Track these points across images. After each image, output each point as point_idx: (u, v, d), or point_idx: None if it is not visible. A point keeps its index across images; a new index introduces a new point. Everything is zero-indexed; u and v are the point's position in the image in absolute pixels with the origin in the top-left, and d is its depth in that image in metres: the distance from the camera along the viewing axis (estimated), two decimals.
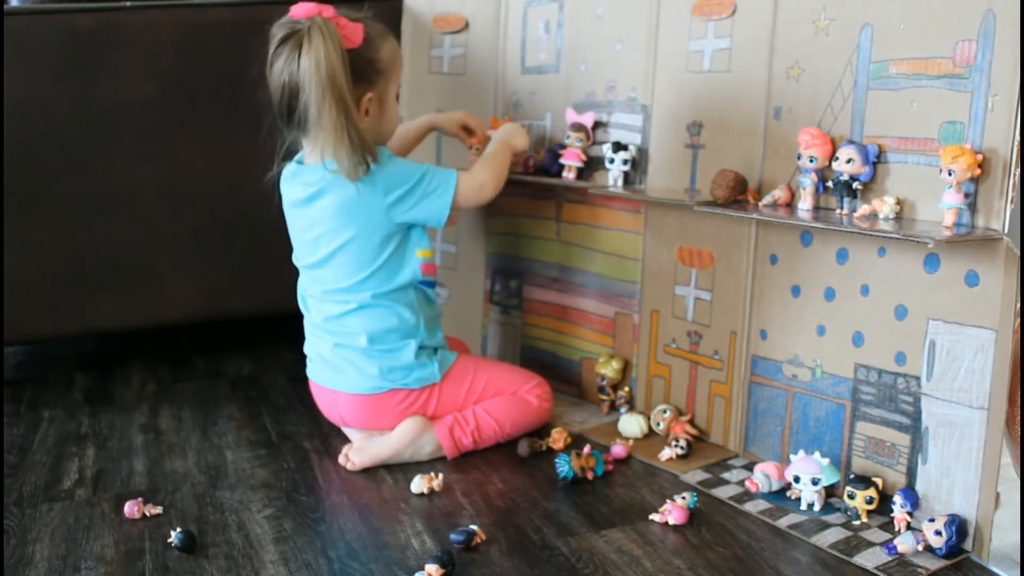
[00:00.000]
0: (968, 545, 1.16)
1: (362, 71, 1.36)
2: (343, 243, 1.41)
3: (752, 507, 1.28)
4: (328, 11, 1.34)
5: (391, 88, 1.44)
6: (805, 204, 1.30)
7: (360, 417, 1.47)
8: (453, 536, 1.18)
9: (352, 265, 1.42)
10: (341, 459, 1.44)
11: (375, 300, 1.43)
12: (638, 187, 1.56)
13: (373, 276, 1.42)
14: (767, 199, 1.34)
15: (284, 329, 2.04)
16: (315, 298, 1.47)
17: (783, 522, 1.24)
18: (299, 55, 1.31)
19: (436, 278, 1.54)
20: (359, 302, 1.43)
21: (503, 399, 1.50)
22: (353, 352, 1.44)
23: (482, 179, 1.48)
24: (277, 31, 1.35)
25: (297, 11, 1.34)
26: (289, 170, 1.44)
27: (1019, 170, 1.10)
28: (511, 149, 1.58)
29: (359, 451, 1.42)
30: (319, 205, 1.40)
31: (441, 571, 1.10)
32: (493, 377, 1.52)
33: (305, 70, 1.31)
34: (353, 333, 1.43)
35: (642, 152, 1.55)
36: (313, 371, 1.51)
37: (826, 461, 1.27)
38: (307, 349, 1.52)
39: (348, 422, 1.50)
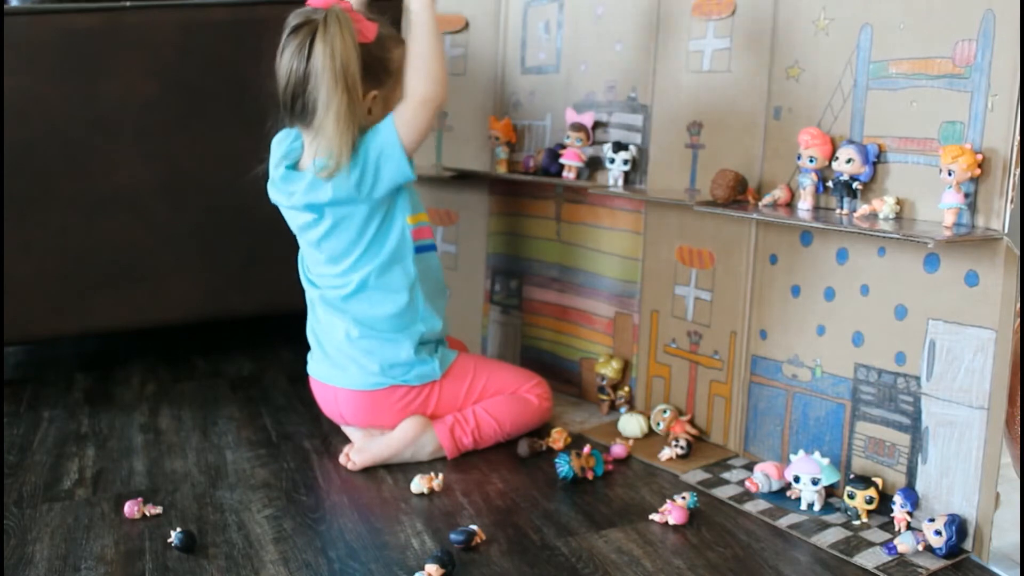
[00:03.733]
0: (968, 545, 1.16)
1: (372, 69, 1.36)
2: (328, 229, 1.41)
3: (752, 507, 1.28)
4: (345, 4, 1.35)
5: (396, 92, 1.43)
6: (805, 204, 1.30)
7: (360, 414, 1.47)
8: (453, 536, 1.18)
9: (344, 247, 1.42)
10: (342, 459, 1.43)
11: (375, 280, 1.42)
12: (638, 187, 1.56)
13: (365, 253, 1.42)
14: (767, 199, 1.34)
15: (284, 329, 2.05)
16: (316, 287, 1.47)
17: (783, 522, 1.24)
18: (312, 42, 1.32)
19: (433, 241, 1.51)
20: (356, 283, 1.42)
21: (503, 398, 1.50)
22: (353, 348, 1.44)
23: (418, 94, 1.36)
24: (292, 19, 1.36)
25: (315, 0, 1.35)
26: (278, 173, 1.43)
27: (1019, 170, 1.10)
28: (433, 19, 1.38)
29: (360, 451, 1.42)
30: (305, 208, 1.41)
31: (441, 571, 1.10)
32: (493, 376, 1.52)
33: (318, 56, 1.31)
34: (353, 322, 1.44)
35: (642, 152, 1.55)
36: (313, 367, 1.51)
37: (826, 461, 1.27)
38: (310, 339, 1.52)
39: (348, 419, 1.50)
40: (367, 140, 1.37)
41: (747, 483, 1.33)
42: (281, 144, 1.45)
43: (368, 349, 1.44)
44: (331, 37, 1.31)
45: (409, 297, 1.44)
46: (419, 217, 1.46)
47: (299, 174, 1.40)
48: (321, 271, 1.46)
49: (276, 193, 1.44)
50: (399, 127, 1.36)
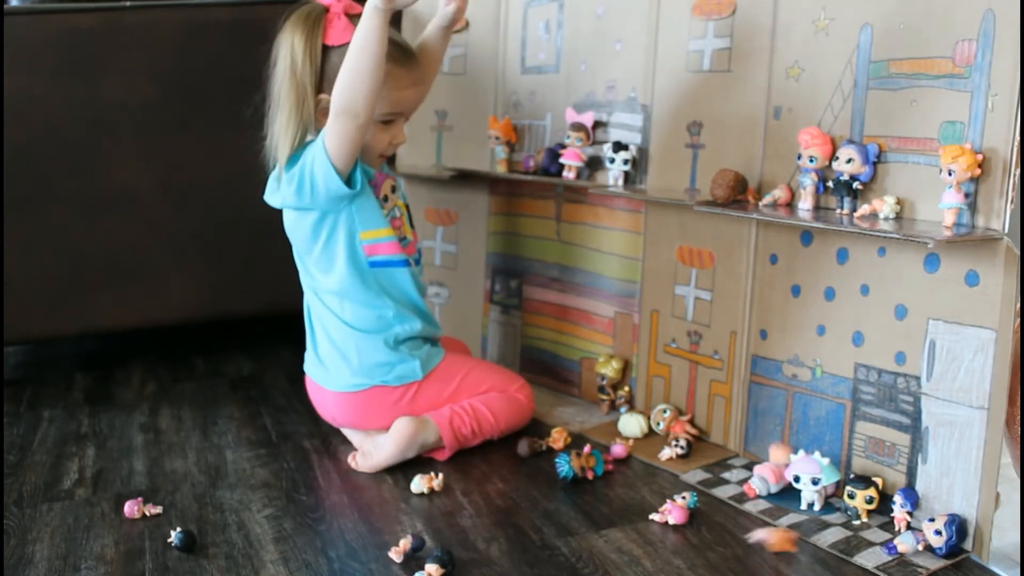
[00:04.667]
0: (968, 545, 1.16)
1: (330, 74, 1.34)
2: (289, 227, 1.44)
3: (752, 507, 1.28)
4: (334, 4, 1.36)
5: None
6: (805, 204, 1.30)
7: (347, 415, 1.47)
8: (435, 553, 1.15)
9: (302, 248, 1.45)
10: (349, 460, 1.43)
11: (337, 286, 1.43)
12: (638, 187, 1.56)
13: (320, 259, 1.42)
14: (767, 199, 1.34)
15: (284, 329, 2.05)
16: (304, 288, 1.50)
17: (783, 522, 1.24)
18: (280, 37, 1.36)
19: (405, 256, 1.45)
20: (325, 285, 1.44)
21: (496, 396, 1.50)
22: (333, 348, 1.45)
23: (333, 107, 1.29)
24: None
25: None
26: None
27: (1019, 170, 1.10)
28: (364, 28, 1.26)
29: (366, 455, 1.42)
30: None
31: (441, 571, 1.10)
32: (481, 377, 1.52)
33: (275, 51, 1.36)
34: (329, 322, 1.45)
35: (642, 152, 1.55)
36: (307, 366, 1.52)
37: (826, 461, 1.27)
38: (307, 339, 1.53)
39: (339, 421, 1.50)
40: (306, 149, 1.36)
41: (744, 488, 1.32)
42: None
43: (347, 349, 1.44)
44: (288, 33, 1.35)
45: (382, 308, 1.44)
46: (377, 233, 1.42)
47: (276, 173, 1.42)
48: (302, 268, 1.48)
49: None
50: (325, 137, 1.33)
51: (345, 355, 1.44)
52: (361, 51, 1.26)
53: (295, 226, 1.43)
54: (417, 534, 1.16)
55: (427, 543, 1.16)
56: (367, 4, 1.26)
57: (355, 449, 1.47)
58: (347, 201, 1.38)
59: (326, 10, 1.36)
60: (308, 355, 1.51)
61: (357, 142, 1.32)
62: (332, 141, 1.31)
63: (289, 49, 1.35)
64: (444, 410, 1.46)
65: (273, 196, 1.42)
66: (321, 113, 1.36)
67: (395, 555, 1.14)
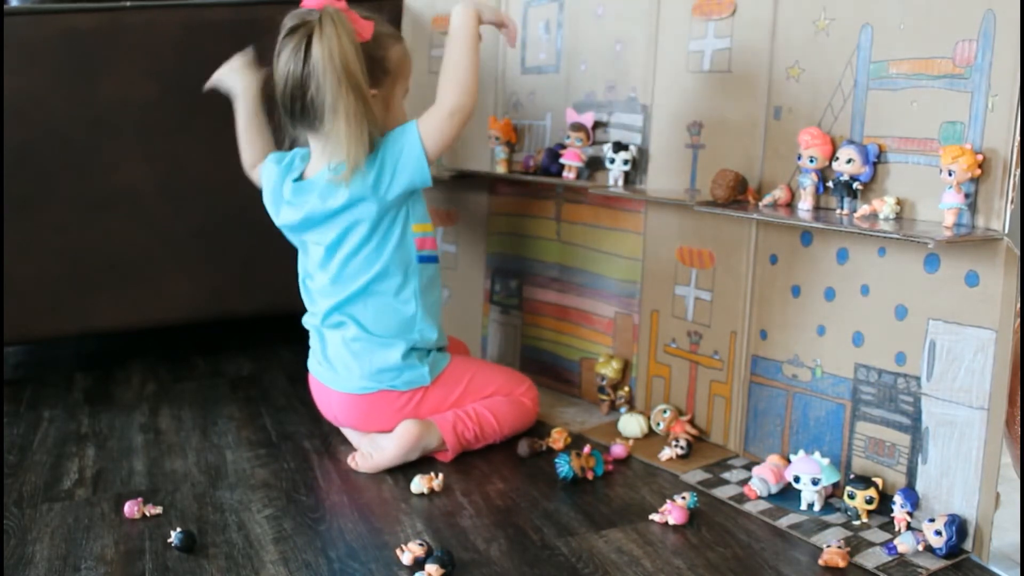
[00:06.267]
0: (968, 545, 1.16)
1: (370, 68, 1.36)
2: (342, 232, 1.41)
3: (752, 507, 1.28)
4: (340, 4, 1.35)
5: (397, 91, 1.44)
6: (805, 204, 1.30)
7: (351, 417, 1.47)
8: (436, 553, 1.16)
9: (352, 249, 1.41)
10: (349, 460, 1.43)
11: (377, 285, 1.42)
12: (638, 187, 1.56)
13: (372, 256, 1.41)
14: (767, 199, 1.34)
15: (284, 329, 2.05)
16: (317, 286, 1.47)
17: (783, 522, 1.24)
18: (310, 43, 1.32)
19: (436, 252, 1.50)
20: (359, 287, 1.42)
21: (502, 400, 1.50)
22: (346, 350, 1.44)
23: (447, 105, 1.37)
24: (288, 20, 1.36)
25: (309, 2, 1.35)
26: (288, 189, 1.43)
27: (1019, 170, 1.10)
28: (473, 33, 1.40)
29: (366, 457, 1.42)
30: (322, 214, 1.40)
31: (441, 571, 1.10)
32: (487, 380, 1.52)
33: (318, 59, 1.31)
34: (353, 323, 1.44)
35: (642, 152, 1.55)
36: (312, 366, 1.51)
37: (826, 461, 1.27)
38: (312, 340, 1.52)
39: (342, 422, 1.50)
40: (388, 141, 1.38)
41: (745, 490, 1.32)
42: (276, 167, 1.46)
43: (359, 352, 1.43)
44: (328, 37, 1.30)
45: (409, 305, 1.44)
46: (425, 227, 1.46)
47: (310, 182, 1.41)
48: (325, 275, 1.45)
49: (289, 210, 1.43)
50: (423, 133, 1.37)
51: (358, 358, 1.44)
52: (468, 52, 1.38)
53: (351, 230, 1.40)
54: (428, 544, 1.15)
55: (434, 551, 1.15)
56: (461, 10, 1.39)
57: (355, 449, 1.47)
58: (408, 196, 1.41)
59: (339, 11, 1.35)
60: (313, 355, 1.51)
61: (457, 138, 1.41)
62: (436, 136, 1.37)
63: (337, 51, 1.30)
64: (448, 414, 1.46)
65: (328, 198, 1.38)
66: (379, 105, 1.38)
67: (406, 559, 1.13)
